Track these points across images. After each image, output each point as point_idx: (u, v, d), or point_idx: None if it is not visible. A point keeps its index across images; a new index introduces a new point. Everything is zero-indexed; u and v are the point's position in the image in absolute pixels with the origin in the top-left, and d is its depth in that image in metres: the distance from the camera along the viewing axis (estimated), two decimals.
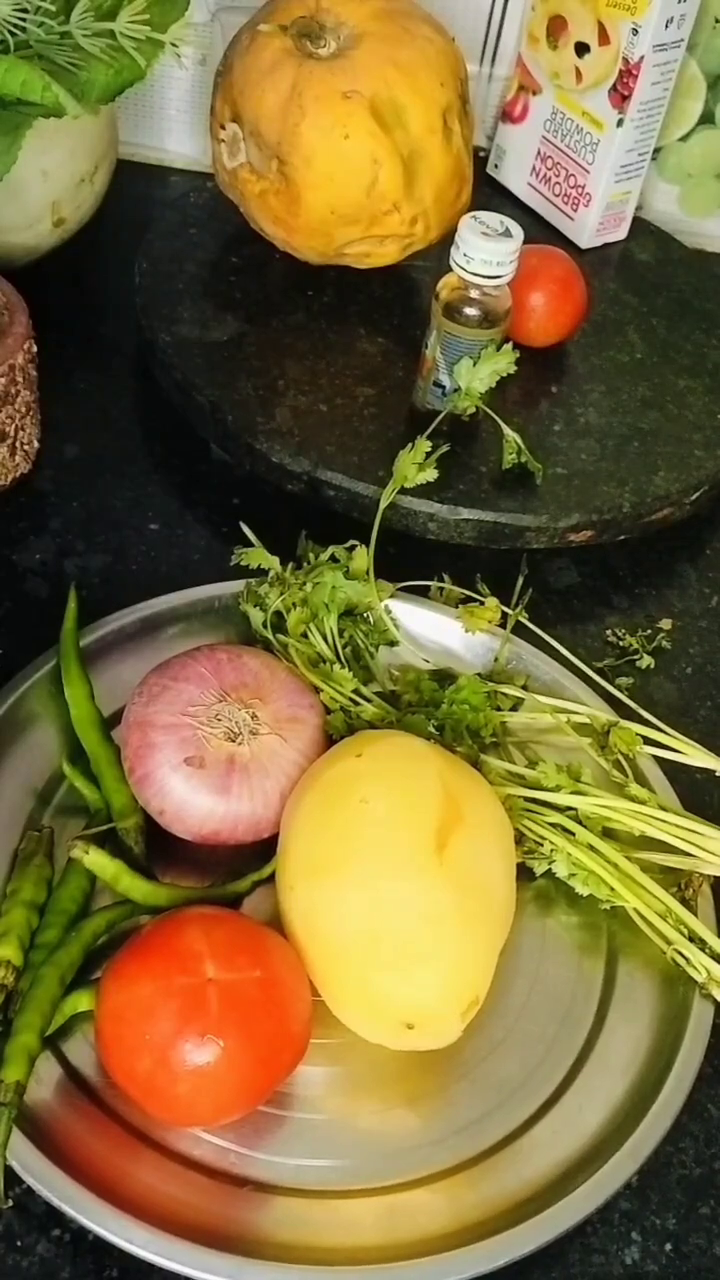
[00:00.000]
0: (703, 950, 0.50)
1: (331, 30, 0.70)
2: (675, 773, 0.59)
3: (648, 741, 0.57)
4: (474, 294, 0.64)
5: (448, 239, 0.65)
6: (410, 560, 0.68)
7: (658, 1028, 0.51)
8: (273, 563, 0.61)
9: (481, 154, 0.89)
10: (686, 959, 0.50)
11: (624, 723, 0.57)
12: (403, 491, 0.66)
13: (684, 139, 0.88)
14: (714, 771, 0.57)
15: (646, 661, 0.65)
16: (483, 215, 0.64)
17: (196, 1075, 0.43)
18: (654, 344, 0.78)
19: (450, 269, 0.64)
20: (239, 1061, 0.43)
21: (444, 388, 0.67)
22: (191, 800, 0.50)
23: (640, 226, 0.87)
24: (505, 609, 0.62)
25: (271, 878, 0.51)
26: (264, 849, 0.52)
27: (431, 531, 0.67)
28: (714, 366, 0.77)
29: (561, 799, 0.53)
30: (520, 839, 0.53)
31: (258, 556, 0.61)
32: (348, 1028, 0.48)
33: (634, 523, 0.69)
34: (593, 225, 0.84)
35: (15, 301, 0.65)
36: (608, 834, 0.54)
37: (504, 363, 0.63)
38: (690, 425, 0.73)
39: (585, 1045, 0.50)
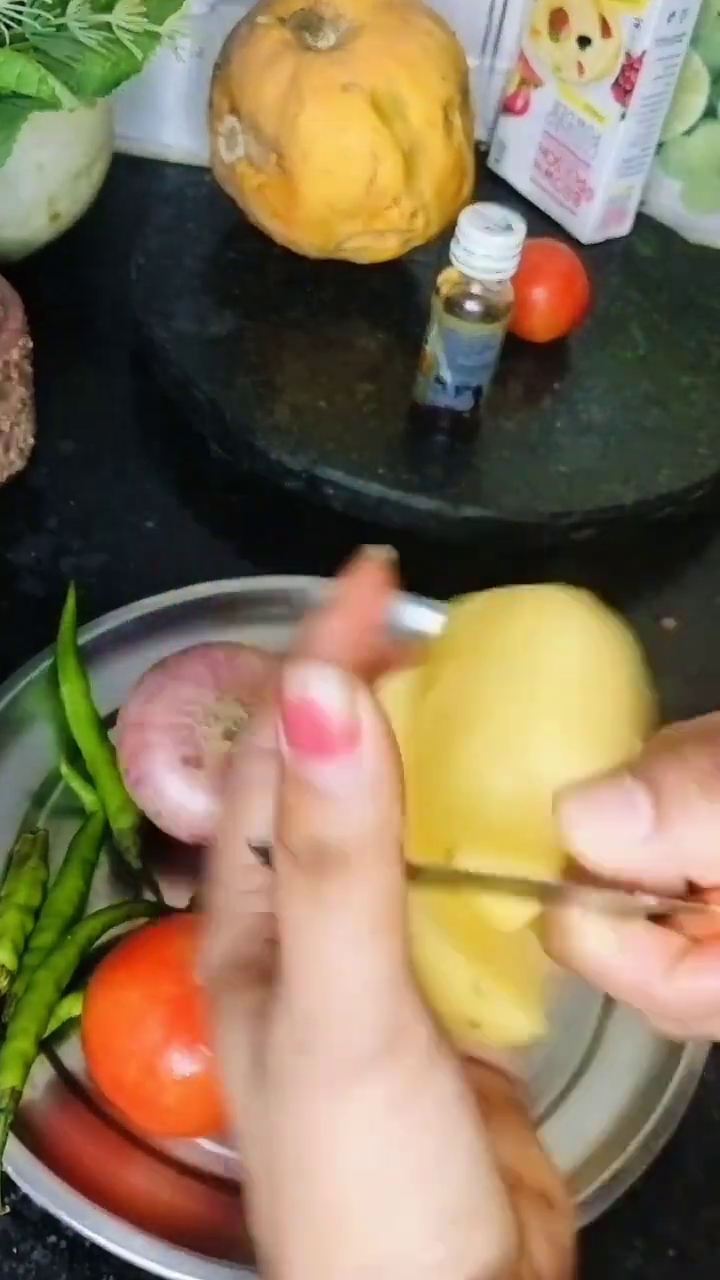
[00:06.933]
0: None
1: (331, 22, 0.70)
2: None
3: None
4: (475, 289, 0.64)
5: (448, 233, 0.65)
6: (410, 559, 0.67)
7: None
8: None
9: (482, 148, 0.88)
10: None
11: None
12: (403, 489, 0.65)
13: (687, 133, 0.88)
14: None
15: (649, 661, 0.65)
16: (484, 209, 0.63)
17: (184, 1084, 0.43)
18: (657, 340, 0.78)
19: (451, 264, 0.64)
20: None
21: (445, 383, 0.66)
22: (188, 801, 0.50)
23: (643, 221, 0.86)
24: None
25: None
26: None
27: (433, 529, 0.66)
28: (717, 363, 0.77)
29: None
30: None
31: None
32: None
33: (637, 521, 0.68)
34: (595, 220, 0.83)
35: (10, 297, 0.64)
36: None
37: None
38: (694, 422, 0.72)
39: (587, 1050, 0.50)
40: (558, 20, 0.80)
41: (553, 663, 0.32)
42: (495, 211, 0.63)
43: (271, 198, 0.71)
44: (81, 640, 0.57)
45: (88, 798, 0.53)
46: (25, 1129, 0.44)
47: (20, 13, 0.61)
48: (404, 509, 0.65)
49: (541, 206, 0.86)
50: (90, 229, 0.79)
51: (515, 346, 0.71)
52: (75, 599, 0.58)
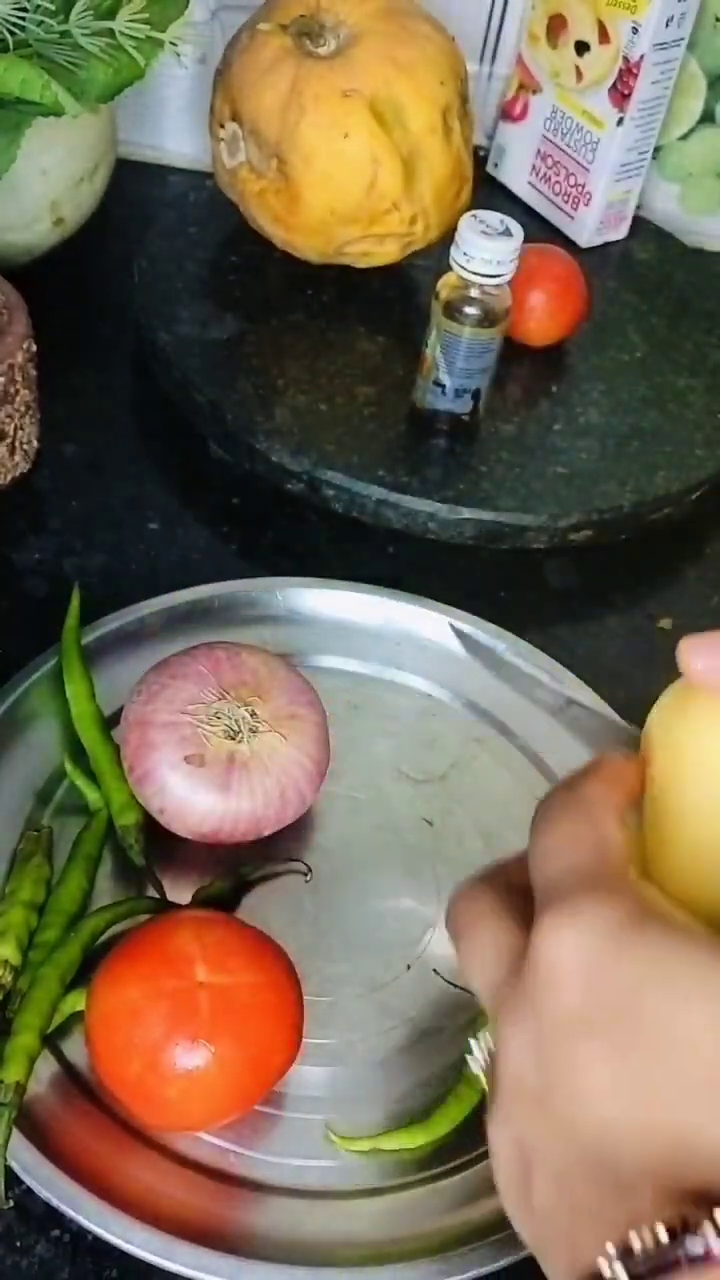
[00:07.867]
0: None
1: (331, 29, 0.70)
2: None
3: None
4: (474, 293, 0.64)
5: (448, 238, 0.65)
6: (410, 560, 0.68)
7: None
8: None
9: (481, 153, 0.89)
10: None
11: None
12: (402, 491, 0.66)
13: (684, 138, 0.88)
14: None
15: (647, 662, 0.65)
16: (482, 214, 0.64)
17: (186, 1079, 0.43)
18: (654, 343, 0.78)
19: (450, 268, 0.64)
20: (229, 1066, 0.43)
21: (444, 387, 0.67)
22: (191, 798, 0.50)
23: (640, 225, 0.87)
24: None
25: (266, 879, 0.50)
26: (265, 848, 0.52)
27: (431, 531, 0.67)
28: (714, 366, 0.77)
29: None
30: None
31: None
32: (345, 1027, 0.48)
33: (634, 522, 0.69)
34: (593, 224, 0.84)
35: (14, 301, 0.65)
36: None
37: None
38: (691, 424, 0.73)
39: None
40: (556, 26, 0.81)
41: None
42: (494, 216, 0.63)
43: (272, 203, 0.72)
44: (84, 640, 0.58)
45: (91, 796, 0.54)
46: (29, 1123, 0.45)
47: (23, 19, 0.62)
48: (403, 511, 0.66)
49: (540, 211, 0.87)
50: (94, 233, 0.79)
51: (514, 350, 0.72)
52: (79, 600, 0.59)
